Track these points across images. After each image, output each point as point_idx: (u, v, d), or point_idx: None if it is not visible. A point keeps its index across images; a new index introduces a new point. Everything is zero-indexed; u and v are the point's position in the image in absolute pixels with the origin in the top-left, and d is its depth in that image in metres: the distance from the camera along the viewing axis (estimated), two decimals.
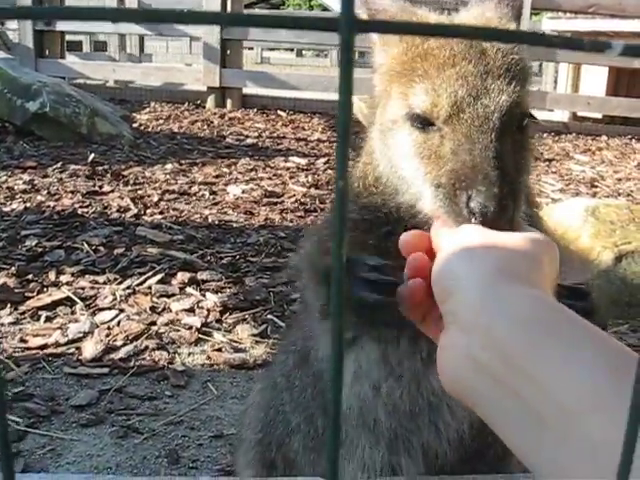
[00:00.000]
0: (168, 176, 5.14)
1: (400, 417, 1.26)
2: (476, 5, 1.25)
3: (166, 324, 2.90)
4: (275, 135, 7.09)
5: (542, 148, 7.46)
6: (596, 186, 5.94)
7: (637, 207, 3.85)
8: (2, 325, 2.83)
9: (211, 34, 8.30)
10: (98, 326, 2.85)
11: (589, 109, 8.87)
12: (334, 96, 7.24)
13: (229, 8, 8.38)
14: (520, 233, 0.92)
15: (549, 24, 10.63)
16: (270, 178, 5.28)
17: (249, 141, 6.70)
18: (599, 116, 9.38)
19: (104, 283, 3.23)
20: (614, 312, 3.24)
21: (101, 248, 3.62)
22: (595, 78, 9.81)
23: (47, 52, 8.75)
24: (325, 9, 24.73)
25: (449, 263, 0.87)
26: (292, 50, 19.77)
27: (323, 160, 5.95)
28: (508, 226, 0.95)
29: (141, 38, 12.52)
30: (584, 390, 0.66)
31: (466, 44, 1.09)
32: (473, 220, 0.97)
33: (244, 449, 1.64)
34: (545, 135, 8.27)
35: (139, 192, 4.67)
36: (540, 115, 9.02)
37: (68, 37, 10.06)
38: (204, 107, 8.40)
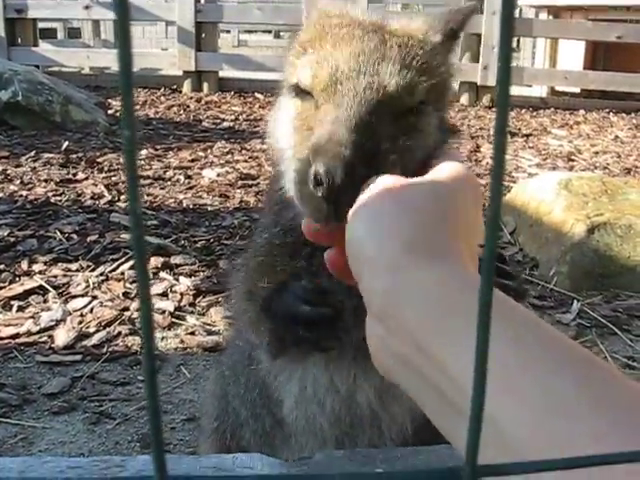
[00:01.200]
0: (143, 162, 5.10)
1: (342, 425, 1.28)
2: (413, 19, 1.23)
3: (139, 309, 2.88)
4: (252, 118, 7.06)
5: (520, 124, 7.47)
6: (573, 160, 5.96)
7: (610, 179, 3.87)
8: None
9: (185, 18, 8.23)
10: (71, 314, 2.84)
11: (566, 84, 8.88)
12: None
13: None
14: (432, 179, 0.87)
15: None
16: (246, 161, 5.26)
17: (225, 124, 6.67)
18: (577, 90, 9.39)
19: (77, 271, 3.21)
20: (587, 284, 3.26)
21: (74, 236, 3.59)
22: (572, 53, 9.81)
23: (19, 40, 8.64)
24: None
25: (357, 243, 0.81)
26: (269, 32, 19.61)
27: None
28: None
29: (116, 23, 12.24)
30: (491, 374, 0.64)
31: (368, 29, 1.09)
32: (319, 192, 0.90)
33: (203, 437, 1.67)
34: (523, 111, 8.28)
35: (113, 179, 4.63)
36: (519, 91, 9.03)
37: (41, 25, 9.93)
38: (180, 92, 8.35)
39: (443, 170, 0.89)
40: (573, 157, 6.05)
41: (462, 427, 0.66)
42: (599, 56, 9.80)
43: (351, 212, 0.84)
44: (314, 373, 1.25)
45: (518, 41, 12.55)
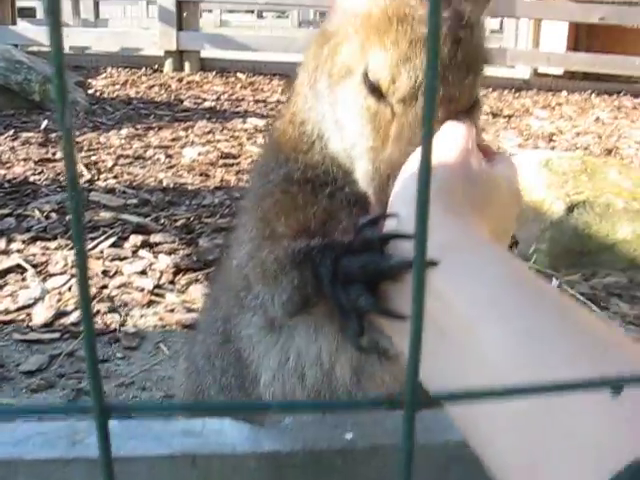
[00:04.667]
0: (123, 141, 5.06)
1: (321, 399, 1.22)
2: None
3: (118, 287, 2.88)
4: (234, 97, 7.00)
5: (502, 104, 7.47)
6: (554, 140, 5.98)
7: (589, 158, 3.88)
8: None
9: None
10: (49, 292, 2.82)
11: (549, 64, 8.88)
12: (295, 57, 7.16)
13: None
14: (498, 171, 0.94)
15: None
16: (227, 140, 5.23)
17: (207, 104, 6.62)
18: (560, 72, 9.40)
19: (55, 249, 3.18)
20: (566, 261, 3.28)
21: (53, 215, 3.56)
22: (555, 34, 9.81)
23: None
24: None
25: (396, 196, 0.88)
26: (252, 12, 19.46)
27: None
28: None
29: (95, 3, 12.23)
30: (484, 303, 0.70)
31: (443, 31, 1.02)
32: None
33: None
34: (506, 92, 8.28)
35: (93, 158, 4.59)
36: (501, 72, 9.02)
37: (19, 3, 9.79)
38: (162, 71, 8.26)
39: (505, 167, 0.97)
40: (554, 137, 6.07)
41: (439, 348, 0.70)
42: (582, 37, 9.81)
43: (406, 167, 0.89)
44: (299, 342, 1.16)
45: (501, 22, 12.53)
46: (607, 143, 5.98)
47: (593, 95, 8.39)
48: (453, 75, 1.00)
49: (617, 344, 0.62)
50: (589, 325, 0.65)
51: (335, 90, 1.07)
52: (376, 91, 1.00)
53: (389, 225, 0.84)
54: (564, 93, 8.43)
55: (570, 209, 3.27)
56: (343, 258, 0.86)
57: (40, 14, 12.12)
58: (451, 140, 0.92)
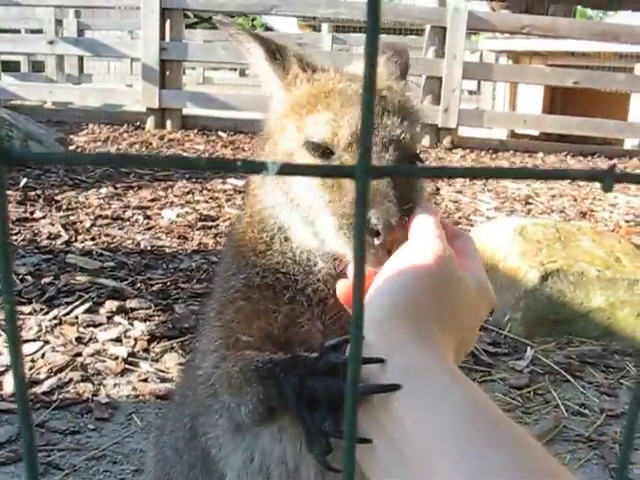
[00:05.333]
0: (102, 201, 5.07)
1: None
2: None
3: (92, 355, 2.85)
4: (215, 157, 7.06)
5: (479, 166, 7.59)
6: (531, 203, 6.07)
7: (563, 225, 3.94)
8: None
9: (149, 55, 8.25)
10: None
11: (525, 127, 9.07)
12: None
13: (168, 30, 8.34)
14: (472, 281, 0.97)
15: (487, 44, 10.87)
16: (206, 201, 5.25)
17: None
18: (536, 134, 9.60)
19: (30, 314, 3.15)
20: (541, 330, 3.30)
21: (28, 277, 3.54)
22: (532, 97, 10.04)
23: None
24: (268, 29, 24.85)
25: (376, 290, 0.91)
26: (235, 70, 19.76)
27: None
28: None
29: (80, 58, 12.36)
30: (440, 435, 0.71)
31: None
32: (375, 240, 0.99)
33: None
34: (483, 153, 8.42)
35: (71, 218, 4.59)
36: (479, 133, 9.19)
37: (4, 57, 9.87)
38: (143, 128, 8.34)
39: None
40: (530, 200, 6.16)
41: (398, 470, 0.71)
42: (557, 100, 10.05)
43: (375, 285, 0.92)
44: (263, 443, 1.16)
45: (479, 84, 12.81)
46: (582, 205, 6.08)
47: (569, 157, 8.55)
48: (387, 119, 1.12)
49: (560, 476, 0.63)
50: (537, 460, 0.66)
51: (284, 177, 1.14)
52: (321, 149, 1.11)
53: None
54: (540, 154, 8.59)
55: (544, 277, 3.31)
56: (308, 379, 0.89)
57: (24, 68, 12.24)
58: (426, 241, 0.96)
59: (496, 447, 0.67)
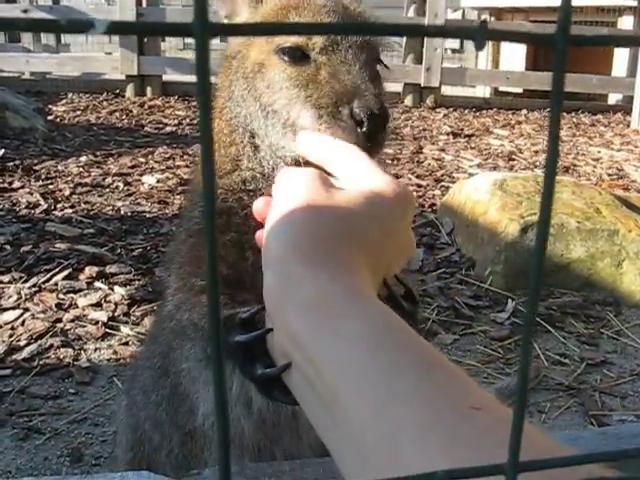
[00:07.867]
0: (82, 169, 5.02)
1: (266, 429, 1.23)
2: None
3: (72, 320, 2.84)
4: (195, 122, 6.99)
5: (462, 124, 7.56)
6: (514, 159, 6.05)
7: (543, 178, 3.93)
8: None
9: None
10: (1, 327, 2.77)
11: (508, 84, 9.02)
12: None
13: None
14: (361, 190, 0.91)
15: (469, 1, 10.75)
16: (187, 166, 5.21)
17: (168, 129, 6.60)
18: (520, 91, 9.54)
19: (9, 282, 3.14)
20: (522, 283, 3.31)
21: (7, 247, 3.51)
22: (514, 54, 9.97)
23: None
24: None
25: (267, 232, 0.86)
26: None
27: None
28: (379, 148, 1.08)
29: None
30: (348, 370, 0.68)
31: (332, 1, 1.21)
32: (359, 129, 1.03)
33: (117, 468, 1.61)
34: (466, 111, 8.38)
35: (50, 187, 4.54)
36: (462, 91, 9.14)
37: None
38: (123, 96, 8.24)
39: (373, 184, 0.92)
40: (514, 156, 6.14)
41: (326, 420, 0.70)
42: (540, 57, 9.97)
43: (270, 215, 0.89)
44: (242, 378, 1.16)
45: (462, 42, 12.69)
46: (565, 160, 6.08)
47: None
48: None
49: (482, 406, 0.61)
50: (449, 385, 0.64)
51: (256, 83, 1.18)
52: (296, 54, 1.14)
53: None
54: (524, 111, 8.56)
55: (524, 230, 3.31)
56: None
57: (1, 39, 12.03)
58: (307, 171, 0.92)
59: (398, 373, 0.65)
